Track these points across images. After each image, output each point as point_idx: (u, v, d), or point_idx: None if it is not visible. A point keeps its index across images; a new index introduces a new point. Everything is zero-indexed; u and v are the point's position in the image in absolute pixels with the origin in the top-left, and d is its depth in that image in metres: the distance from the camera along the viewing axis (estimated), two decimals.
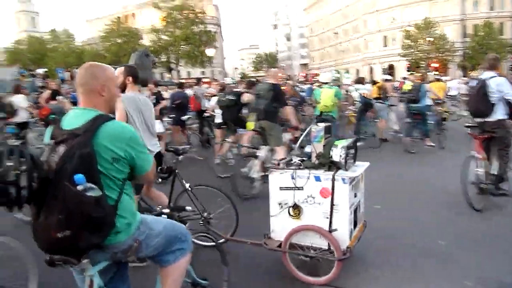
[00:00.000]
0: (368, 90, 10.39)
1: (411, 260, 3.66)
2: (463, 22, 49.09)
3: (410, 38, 45.65)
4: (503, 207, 5.00)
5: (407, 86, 9.62)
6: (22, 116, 9.84)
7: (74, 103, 8.79)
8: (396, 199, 5.57)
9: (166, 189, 4.04)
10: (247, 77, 49.77)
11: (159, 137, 8.03)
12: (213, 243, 3.06)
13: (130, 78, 3.75)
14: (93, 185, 1.69)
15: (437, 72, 22.52)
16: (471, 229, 4.37)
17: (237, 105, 7.38)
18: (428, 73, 14.96)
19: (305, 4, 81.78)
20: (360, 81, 11.88)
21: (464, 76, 28.00)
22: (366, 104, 9.94)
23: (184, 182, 3.97)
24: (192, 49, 42.70)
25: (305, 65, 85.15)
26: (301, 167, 3.36)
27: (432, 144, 8.92)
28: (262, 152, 5.90)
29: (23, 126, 9.86)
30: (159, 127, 8.05)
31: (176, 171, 4.02)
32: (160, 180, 3.99)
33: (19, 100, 9.91)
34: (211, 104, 9.08)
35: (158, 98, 9.53)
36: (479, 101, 4.96)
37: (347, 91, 12.67)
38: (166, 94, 10.84)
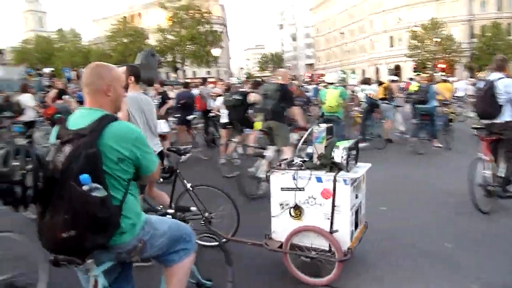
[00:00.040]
0: (374, 90, 10.35)
1: (413, 261, 3.65)
2: (471, 22, 48.72)
3: (416, 39, 45.39)
4: (510, 209, 4.95)
5: (413, 86, 9.58)
6: (29, 115, 9.92)
7: (81, 102, 8.85)
8: (401, 200, 5.55)
9: (168, 189, 4.03)
10: (253, 77, 49.82)
11: (164, 136, 8.10)
12: (216, 243, 3.06)
13: (132, 78, 3.76)
14: (98, 185, 1.69)
15: (443, 73, 22.41)
16: (476, 231, 4.33)
17: (243, 105, 7.38)
18: (434, 74, 14.86)
19: (311, 4, 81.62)
20: (366, 81, 11.84)
21: (471, 77, 27.80)
22: (372, 105, 9.90)
23: (185, 182, 3.97)
24: (198, 49, 42.77)
25: (310, 65, 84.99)
26: (302, 167, 3.35)
27: (440, 145, 8.87)
28: (270, 152, 5.90)
29: (30, 125, 9.94)
30: (164, 126, 8.09)
31: (178, 171, 4.02)
32: (161, 180, 4.00)
33: (26, 99, 9.99)
34: (216, 104, 9.09)
35: (164, 97, 9.57)
36: (487, 103, 4.92)
37: (353, 91, 12.63)
38: (172, 93, 10.87)
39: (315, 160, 3.38)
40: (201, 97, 10.70)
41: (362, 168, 3.45)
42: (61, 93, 10.98)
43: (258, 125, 7.03)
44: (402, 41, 52.01)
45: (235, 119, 7.45)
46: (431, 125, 8.89)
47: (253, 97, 7.44)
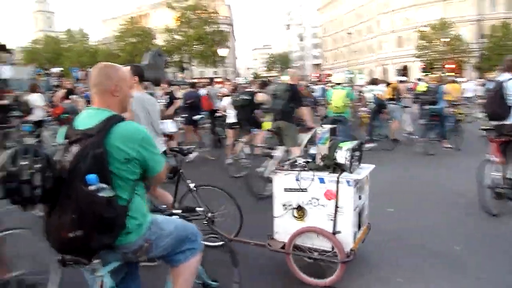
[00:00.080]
0: (382, 91, 10.30)
1: (418, 262, 3.63)
2: (480, 22, 48.25)
3: (425, 39, 45.07)
4: None
5: (421, 87, 9.52)
6: (38, 115, 10.02)
7: (89, 102, 8.90)
8: (409, 201, 5.52)
9: (171, 188, 4.03)
10: (260, 77, 49.81)
11: (172, 136, 8.13)
12: (220, 243, 3.06)
13: (136, 78, 3.78)
14: (105, 186, 1.70)
15: (451, 73, 22.23)
16: (485, 233, 4.29)
17: (251, 105, 7.38)
18: (442, 74, 14.77)
19: (318, 4, 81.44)
20: (374, 82, 11.78)
21: (480, 78, 27.56)
22: (380, 105, 9.85)
23: (188, 182, 3.98)
24: (205, 49, 42.86)
25: (317, 65, 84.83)
26: (305, 168, 3.34)
27: (450, 146, 8.80)
28: (278, 152, 5.90)
29: (38, 124, 10.04)
30: (171, 126, 8.11)
31: (181, 171, 4.03)
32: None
33: (35, 99, 10.08)
34: (222, 104, 9.10)
35: (172, 97, 9.61)
36: (496, 104, 4.86)
37: (360, 91, 12.57)
38: (179, 93, 10.90)
39: (318, 161, 3.38)
40: (208, 97, 10.72)
41: (365, 169, 3.44)
42: (69, 92, 11.06)
43: (267, 125, 7.04)
44: (410, 41, 51.66)
45: (242, 119, 7.46)
46: (441, 125, 8.82)
47: (260, 97, 7.45)
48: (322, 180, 3.20)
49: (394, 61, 54.89)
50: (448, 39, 42.59)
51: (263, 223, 3.72)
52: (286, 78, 6.38)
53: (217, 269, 2.73)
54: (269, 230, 3.54)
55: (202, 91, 11.36)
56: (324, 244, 3.21)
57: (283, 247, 3.38)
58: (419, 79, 22.18)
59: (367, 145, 9.40)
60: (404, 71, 46.89)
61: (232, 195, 4.04)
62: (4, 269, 3.06)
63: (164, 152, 4.10)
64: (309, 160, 3.49)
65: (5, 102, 10.31)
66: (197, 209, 2.57)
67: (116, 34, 49.16)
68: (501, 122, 4.87)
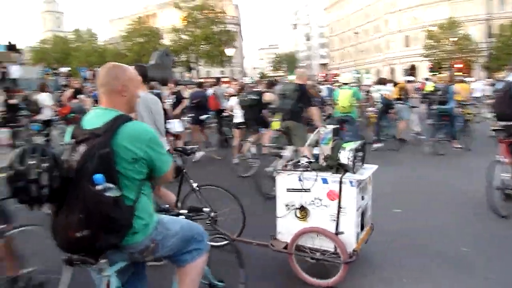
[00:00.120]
0: (389, 91, 10.25)
1: (423, 262, 3.61)
2: (488, 22, 47.80)
3: (433, 38, 44.74)
4: None
5: (429, 87, 9.47)
6: (46, 114, 10.11)
7: (97, 101, 8.96)
8: (417, 201, 5.47)
9: (174, 188, 4.04)
10: (266, 77, 49.77)
11: (178, 136, 8.16)
12: (223, 242, 3.06)
13: (140, 78, 3.79)
14: (112, 185, 1.70)
15: (459, 73, 22.04)
16: (493, 234, 4.24)
17: (259, 105, 7.39)
18: (451, 74, 14.64)
19: (325, 4, 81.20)
20: (381, 81, 11.72)
21: (488, 78, 27.31)
22: (387, 105, 9.80)
23: (191, 181, 3.98)
24: (212, 48, 42.95)
25: (324, 65, 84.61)
26: (308, 169, 3.34)
27: (460, 146, 8.73)
28: (287, 152, 5.91)
29: (47, 123, 10.13)
30: (178, 126, 8.15)
31: (184, 170, 4.04)
32: None
33: (44, 98, 10.17)
34: (229, 104, 9.12)
35: (179, 97, 9.65)
36: (505, 104, 4.81)
37: (367, 91, 12.52)
38: (186, 93, 10.94)
39: (321, 161, 3.37)
40: (215, 97, 10.74)
41: (368, 170, 3.42)
42: (77, 92, 11.15)
43: (276, 125, 7.04)
44: (417, 41, 51.32)
45: (250, 118, 7.46)
46: (451, 125, 8.76)
47: (268, 96, 7.45)
48: (325, 181, 3.19)
49: (401, 60, 54.57)
50: (456, 39, 42.24)
51: (266, 223, 3.72)
52: (293, 78, 6.37)
53: (220, 269, 2.72)
54: (272, 230, 3.54)
55: (209, 91, 11.38)
56: (326, 245, 3.20)
57: (285, 247, 3.38)
58: (427, 79, 22.07)
59: (374, 145, 9.37)
60: (411, 71, 46.61)
61: (235, 195, 4.04)
62: (16, 265, 3.09)
63: (168, 152, 4.11)
64: (312, 160, 3.48)
65: (14, 101, 10.43)
66: (204, 209, 2.57)
67: (124, 34, 49.42)
68: (510, 123, 4.82)
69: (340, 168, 3.21)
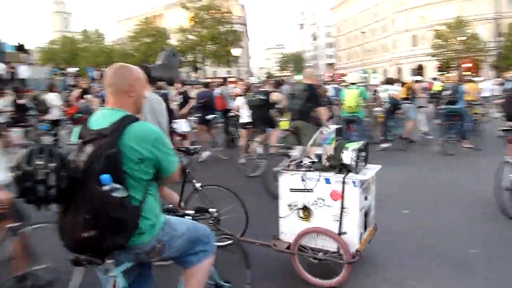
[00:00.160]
0: (397, 90, 10.19)
1: (427, 263, 3.59)
2: (497, 21, 47.34)
3: (440, 38, 44.41)
4: None
5: (437, 86, 9.39)
6: (55, 114, 10.20)
7: (105, 101, 9.01)
8: (425, 202, 5.42)
9: (177, 188, 4.03)
10: (273, 77, 49.72)
11: (185, 136, 8.19)
12: (227, 242, 3.06)
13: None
14: (119, 186, 1.70)
15: (467, 73, 21.86)
16: (499, 235, 4.19)
17: (266, 105, 7.40)
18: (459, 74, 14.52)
19: (332, 3, 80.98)
20: (389, 81, 11.65)
21: (497, 77, 27.03)
22: (394, 105, 9.75)
23: (194, 181, 3.98)
24: (218, 48, 43.04)
25: (331, 64, 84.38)
26: (311, 169, 3.32)
27: (471, 145, 8.66)
28: (296, 152, 5.90)
29: (55, 123, 10.22)
30: (185, 126, 8.17)
31: (187, 170, 4.05)
32: None
33: (52, 98, 10.26)
34: (236, 104, 9.14)
35: (186, 97, 9.68)
36: None
37: (375, 91, 12.46)
38: (193, 93, 10.98)
39: (324, 161, 3.35)
40: (222, 97, 10.76)
41: (371, 170, 3.41)
42: (84, 92, 11.23)
43: (285, 124, 7.03)
44: (425, 40, 50.98)
45: (257, 118, 7.45)
46: (461, 125, 8.69)
47: (275, 96, 7.45)
48: (328, 181, 3.18)
49: (408, 60, 54.24)
50: (465, 38, 41.88)
51: (271, 223, 3.71)
52: (299, 78, 6.37)
53: (223, 269, 2.72)
54: (275, 230, 3.53)
55: (217, 91, 11.41)
56: (329, 245, 3.19)
57: (288, 248, 3.37)
58: (434, 79, 21.90)
59: (382, 145, 9.33)
60: (419, 71, 46.29)
61: (238, 195, 4.04)
62: (26, 263, 3.13)
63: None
64: (315, 160, 3.47)
65: (23, 101, 10.54)
66: (210, 209, 2.57)
67: (131, 34, 49.70)
68: None
69: (343, 168, 3.20)
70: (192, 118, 9.72)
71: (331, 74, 47.69)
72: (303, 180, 3.27)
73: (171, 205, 2.92)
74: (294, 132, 6.16)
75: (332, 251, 3.18)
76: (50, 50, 56.65)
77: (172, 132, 7.50)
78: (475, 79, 17.30)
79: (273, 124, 7.52)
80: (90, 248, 1.73)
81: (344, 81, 15.84)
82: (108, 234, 1.69)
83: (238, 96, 9.73)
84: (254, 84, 11.41)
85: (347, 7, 74.03)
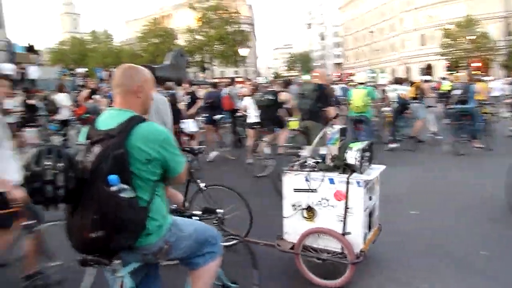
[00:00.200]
0: (406, 90, 10.12)
1: (434, 264, 3.56)
2: (507, 19, 46.78)
3: (449, 37, 44.00)
4: None
5: (445, 86, 9.31)
6: (64, 114, 10.29)
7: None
8: (432, 202, 5.37)
9: (181, 188, 4.04)
10: (280, 77, 49.62)
11: (193, 136, 8.22)
12: (232, 242, 3.06)
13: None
14: (126, 186, 1.70)
15: (477, 72, 21.60)
16: (509, 237, 4.14)
17: (275, 105, 7.40)
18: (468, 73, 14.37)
19: (340, 3, 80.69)
20: (398, 81, 11.57)
21: (507, 76, 26.70)
22: (403, 105, 9.69)
23: (199, 181, 3.99)
24: (226, 48, 43.10)
25: (339, 64, 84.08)
26: (315, 169, 3.32)
27: (482, 145, 8.57)
28: (306, 151, 5.89)
29: (65, 123, 10.31)
30: (193, 126, 8.20)
31: (192, 170, 4.05)
32: None
33: (62, 99, 10.36)
34: (243, 104, 9.16)
35: (193, 97, 9.71)
36: None
37: (383, 91, 12.38)
38: (201, 93, 11.01)
39: (328, 161, 3.34)
40: (229, 97, 10.77)
41: (375, 170, 3.39)
42: (93, 92, 11.31)
43: (294, 124, 7.03)
44: (433, 40, 50.55)
45: (266, 118, 7.45)
46: (472, 125, 8.61)
47: (284, 96, 7.45)
48: (332, 181, 3.17)
49: (417, 59, 53.83)
50: (474, 37, 41.44)
51: (274, 223, 3.71)
52: (307, 78, 6.35)
53: (230, 270, 2.72)
54: (279, 230, 3.53)
55: (225, 90, 11.43)
56: (333, 245, 3.19)
57: (292, 248, 3.37)
58: (443, 78, 21.71)
59: (390, 145, 9.27)
60: (427, 70, 45.96)
61: (242, 195, 4.04)
62: (38, 262, 3.16)
63: None
64: (319, 160, 3.46)
65: (32, 101, 10.65)
66: (217, 210, 2.57)
67: (139, 35, 49.98)
68: None
69: (347, 169, 3.19)
70: (200, 118, 9.75)
71: (339, 74, 47.42)
72: (307, 180, 3.26)
73: (175, 205, 2.93)
74: (304, 132, 6.15)
75: (336, 252, 3.18)
76: (60, 51, 57.21)
77: (179, 132, 7.56)
78: (485, 78, 17.11)
79: (281, 124, 7.51)
80: (98, 249, 1.73)
81: (352, 80, 15.77)
82: (116, 234, 1.69)
83: (245, 96, 9.74)
84: (262, 84, 11.37)
85: (355, 7, 73.71)
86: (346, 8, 78.10)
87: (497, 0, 46.87)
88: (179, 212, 2.42)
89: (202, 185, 3.98)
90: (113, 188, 1.67)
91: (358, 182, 3.07)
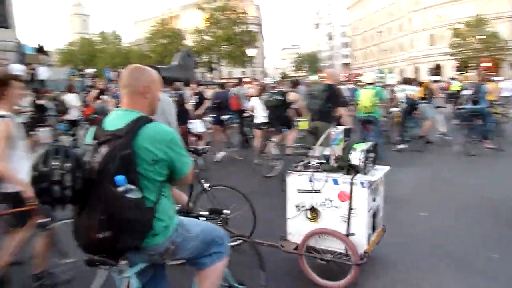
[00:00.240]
0: (414, 90, 10.05)
1: (441, 266, 3.53)
2: None
3: (459, 36, 43.58)
4: None
5: (455, 86, 9.22)
6: (73, 114, 10.38)
7: None
8: (440, 204, 5.32)
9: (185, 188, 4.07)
10: (288, 77, 49.56)
11: (200, 136, 8.23)
12: (237, 242, 3.06)
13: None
14: (133, 187, 1.70)
15: (485, 72, 21.35)
16: None
17: (284, 105, 7.38)
18: (478, 73, 14.22)
19: (348, 3, 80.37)
20: (407, 81, 11.49)
21: None
22: (412, 105, 9.61)
23: (203, 182, 3.99)
24: (233, 49, 43.15)
25: (347, 64, 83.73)
26: (319, 170, 3.31)
27: (493, 146, 8.48)
28: (315, 151, 5.87)
29: (74, 123, 10.40)
30: (200, 126, 8.21)
31: (196, 171, 4.05)
32: None
33: (71, 99, 10.45)
34: (250, 105, 9.16)
35: (201, 97, 9.73)
36: None
37: (392, 91, 12.30)
38: (209, 93, 11.02)
39: (332, 162, 3.33)
40: (237, 97, 10.78)
41: (380, 171, 3.38)
42: (101, 93, 11.39)
43: (304, 125, 7.00)
44: (443, 39, 50.11)
45: (274, 118, 7.44)
46: (484, 125, 8.52)
47: (292, 96, 7.43)
48: (335, 182, 3.17)
49: (426, 59, 53.40)
50: (484, 36, 40.99)
51: (277, 224, 3.71)
52: (315, 78, 6.32)
53: (236, 271, 2.71)
54: (282, 231, 3.52)
55: (233, 90, 11.43)
56: (337, 246, 3.18)
57: (296, 248, 3.36)
58: (453, 78, 21.51)
59: (398, 146, 9.21)
60: (436, 70, 45.55)
61: (246, 195, 4.03)
62: (48, 260, 3.19)
63: None
64: (323, 161, 3.45)
65: (42, 102, 10.75)
66: (224, 211, 2.57)
67: (147, 35, 50.23)
68: None
69: (351, 169, 3.18)
70: (207, 118, 9.77)
71: (347, 74, 47.23)
72: (311, 181, 3.26)
73: (179, 206, 2.93)
74: (313, 132, 6.13)
75: (340, 253, 3.17)
76: (69, 51, 57.73)
77: (187, 133, 7.58)
78: (495, 78, 16.91)
79: (289, 125, 7.49)
80: (105, 249, 1.74)
81: (360, 81, 15.68)
82: (123, 235, 1.69)
83: (252, 96, 9.73)
84: (269, 84, 11.37)
85: (363, 6, 73.35)
86: (354, 8, 77.74)
87: None
88: (186, 212, 2.41)
89: (206, 185, 3.99)
90: (120, 189, 1.67)
91: (362, 183, 3.06)
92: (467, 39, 42.60)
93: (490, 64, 36.30)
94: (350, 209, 3.10)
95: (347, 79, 30.05)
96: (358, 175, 3.13)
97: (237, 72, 51.02)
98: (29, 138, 3.27)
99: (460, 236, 4.20)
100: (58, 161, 1.66)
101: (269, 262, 3.52)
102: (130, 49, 57.29)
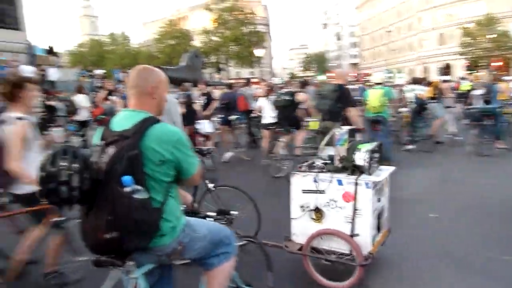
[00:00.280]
0: (423, 90, 9.96)
1: (447, 266, 3.50)
2: None
3: (469, 36, 43.10)
4: None
5: (465, 86, 9.13)
6: (83, 115, 10.46)
7: None
8: (450, 205, 5.25)
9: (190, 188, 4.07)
10: (296, 77, 49.49)
11: (208, 136, 8.25)
12: (242, 242, 3.06)
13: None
14: (140, 187, 1.70)
15: (496, 71, 21.07)
16: None
17: (292, 105, 7.36)
18: (489, 73, 14.04)
19: (356, 2, 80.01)
20: (416, 81, 11.39)
21: None
22: (421, 105, 9.53)
23: (207, 182, 3.99)
24: (241, 49, 43.20)
25: (355, 64, 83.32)
26: (323, 170, 3.29)
27: (505, 146, 8.37)
28: (325, 152, 5.85)
29: (83, 124, 10.48)
30: (208, 126, 8.23)
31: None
32: None
33: (81, 100, 10.53)
34: (258, 105, 9.16)
35: (209, 98, 9.75)
36: None
37: (401, 91, 12.21)
38: (217, 94, 11.04)
39: (336, 162, 3.32)
40: (244, 98, 10.78)
41: (384, 171, 3.35)
42: (110, 94, 11.46)
43: (314, 125, 6.98)
44: (452, 39, 49.62)
45: (283, 119, 7.42)
46: (496, 125, 8.42)
47: (301, 96, 7.41)
48: (340, 182, 3.15)
49: (435, 59, 52.92)
50: (495, 36, 40.49)
51: (281, 225, 3.69)
52: (323, 78, 6.30)
53: (243, 271, 2.70)
54: (287, 231, 3.51)
55: (242, 90, 11.42)
56: (342, 247, 3.16)
57: (300, 249, 3.35)
58: (462, 78, 21.28)
59: (407, 146, 9.14)
60: (446, 70, 45.14)
61: (250, 196, 4.02)
62: (72, 253, 3.23)
63: None
64: (328, 161, 3.43)
65: (52, 103, 10.86)
66: (232, 212, 2.57)
67: (156, 36, 50.51)
68: None
69: (356, 170, 3.16)
70: (215, 119, 9.78)
71: (355, 74, 47.01)
72: (315, 181, 3.25)
73: (184, 206, 2.94)
74: (323, 132, 6.09)
75: (344, 253, 3.15)
76: (79, 53, 58.30)
77: (195, 133, 7.60)
78: (505, 78, 16.68)
79: (298, 125, 7.47)
80: (112, 250, 1.74)
81: (368, 81, 15.60)
82: (130, 235, 1.70)
83: (260, 97, 9.72)
84: (277, 84, 11.36)
85: (371, 6, 72.97)
86: (362, 8, 77.37)
87: None
88: (193, 213, 2.41)
89: (210, 185, 3.99)
90: (127, 189, 1.67)
91: (366, 184, 3.04)
92: (477, 38, 42.11)
93: (501, 64, 35.86)
94: (355, 209, 3.09)
95: (355, 79, 29.91)
96: (363, 176, 3.11)
97: (245, 72, 51.05)
98: (43, 138, 3.31)
99: (472, 237, 4.14)
100: (66, 162, 1.67)
101: (273, 262, 3.53)
102: (139, 50, 57.67)
